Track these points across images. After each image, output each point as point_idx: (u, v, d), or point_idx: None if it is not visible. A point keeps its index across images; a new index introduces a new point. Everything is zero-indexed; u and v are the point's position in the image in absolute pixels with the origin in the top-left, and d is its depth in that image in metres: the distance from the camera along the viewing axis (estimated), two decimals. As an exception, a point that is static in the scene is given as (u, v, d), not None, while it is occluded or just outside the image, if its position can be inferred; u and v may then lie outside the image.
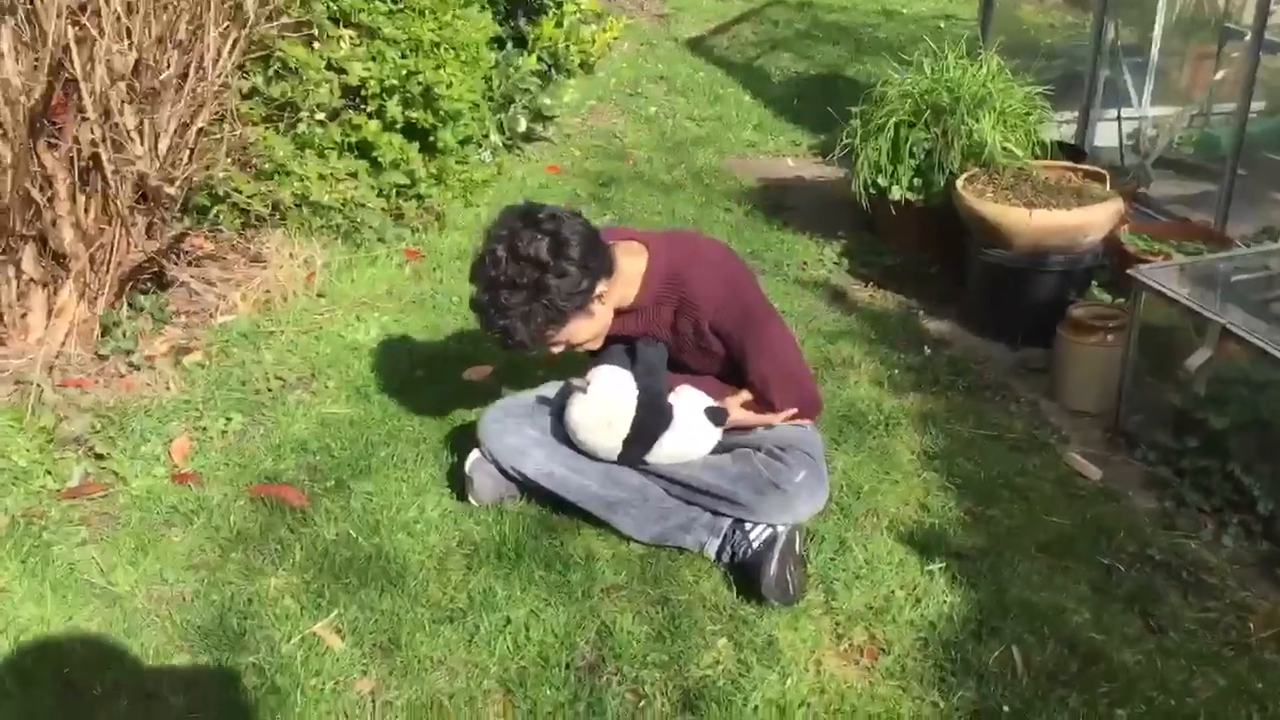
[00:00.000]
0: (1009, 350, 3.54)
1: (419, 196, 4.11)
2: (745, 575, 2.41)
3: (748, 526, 2.46)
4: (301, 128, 3.84)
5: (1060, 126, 4.54)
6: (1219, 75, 4.54)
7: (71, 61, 2.90)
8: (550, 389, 2.74)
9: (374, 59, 3.86)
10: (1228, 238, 3.69)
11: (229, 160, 3.58)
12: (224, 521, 2.61)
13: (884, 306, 3.86)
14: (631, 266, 2.52)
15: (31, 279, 3.12)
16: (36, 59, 2.89)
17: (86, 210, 3.14)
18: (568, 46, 5.84)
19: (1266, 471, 2.67)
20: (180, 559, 2.49)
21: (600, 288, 2.44)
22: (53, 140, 3.04)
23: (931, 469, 2.87)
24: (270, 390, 3.14)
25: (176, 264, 3.55)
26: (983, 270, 3.65)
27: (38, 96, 2.90)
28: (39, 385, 2.94)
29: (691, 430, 2.53)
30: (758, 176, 5.08)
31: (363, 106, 3.94)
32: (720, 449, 2.58)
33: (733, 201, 4.72)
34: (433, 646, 2.25)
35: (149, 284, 3.48)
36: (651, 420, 2.50)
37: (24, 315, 3.15)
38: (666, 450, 2.53)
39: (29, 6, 2.85)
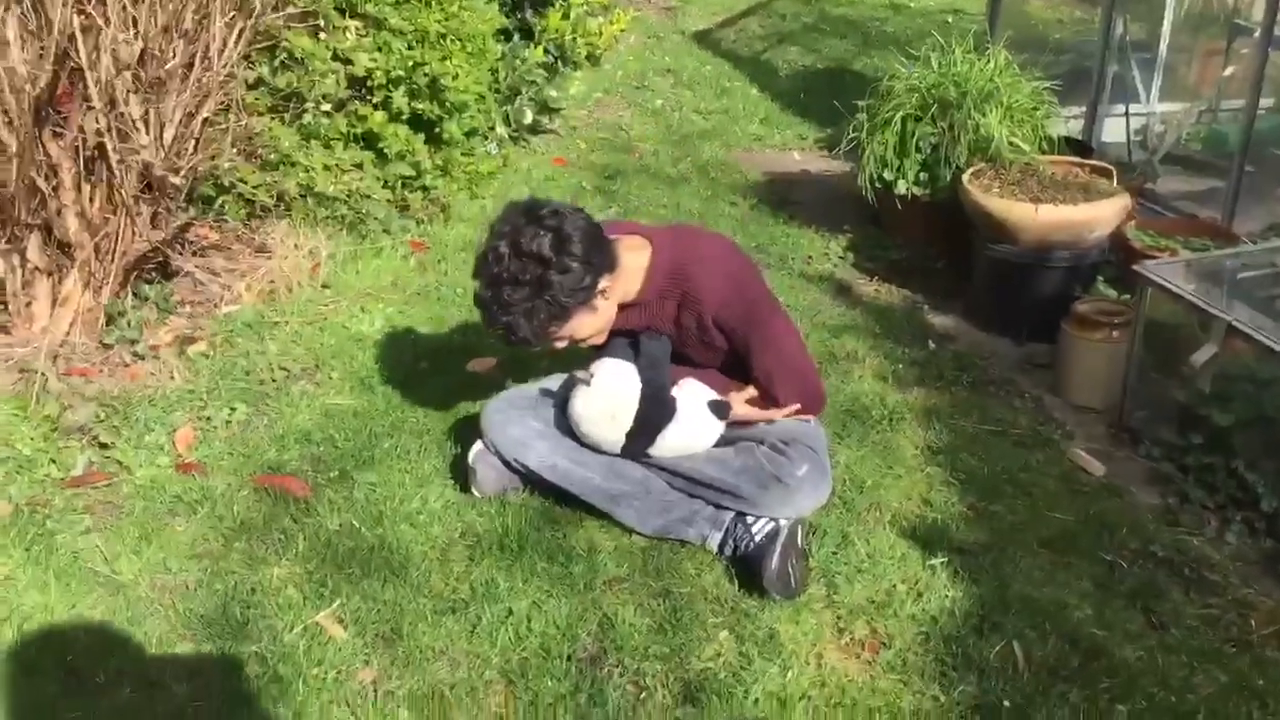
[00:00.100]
0: (1014, 345, 3.54)
1: (424, 188, 4.11)
2: (747, 568, 2.41)
3: (750, 520, 2.46)
4: (307, 118, 3.84)
5: (1068, 122, 4.52)
6: (1228, 71, 4.52)
7: (77, 50, 2.90)
8: (554, 381, 2.74)
9: (380, 50, 3.86)
10: (1234, 234, 3.68)
11: (234, 150, 3.59)
12: (227, 511, 2.61)
13: (889, 301, 3.85)
14: (634, 261, 2.52)
15: (36, 268, 3.12)
16: (42, 47, 2.89)
17: (91, 199, 3.14)
18: (574, 39, 5.82)
19: (1270, 468, 2.67)
20: (184, 548, 2.50)
21: (603, 283, 2.44)
22: (58, 129, 3.04)
23: (935, 464, 2.87)
24: (274, 381, 3.14)
25: (181, 254, 3.55)
26: (988, 265, 3.64)
27: (43, 85, 2.91)
28: (43, 374, 2.94)
29: (694, 424, 2.54)
30: (764, 170, 5.07)
31: (368, 97, 3.94)
32: (723, 442, 2.58)
33: (738, 195, 4.72)
34: (435, 637, 2.25)
35: (154, 274, 3.49)
36: (655, 413, 2.50)
37: (29, 304, 3.15)
38: (669, 443, 2.53)
39: (35, -5, 2.86)
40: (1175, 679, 2.19)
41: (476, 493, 2.65)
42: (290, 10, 3.61)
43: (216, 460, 2.80)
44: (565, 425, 2.60)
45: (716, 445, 2.57)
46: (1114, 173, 3.71)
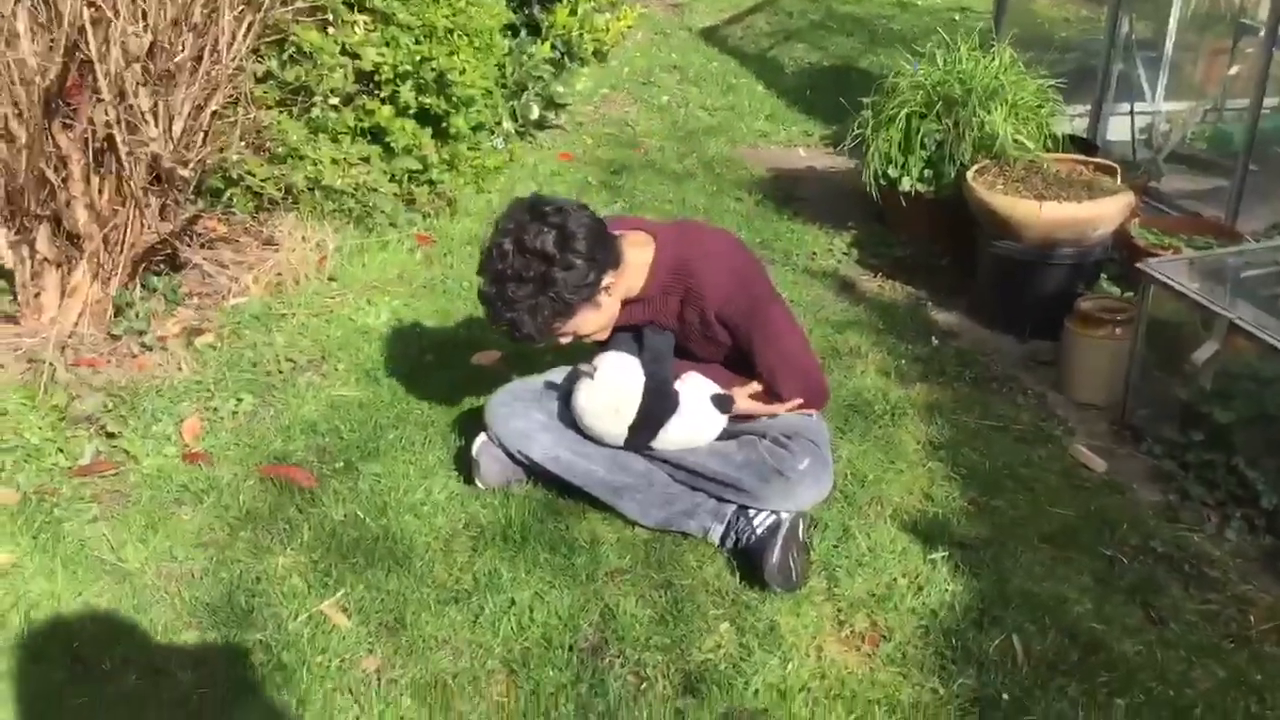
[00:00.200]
0: (1017, 342, 3.55)
1: (431, 182, 4.13)
2: (748, 561, 2.43)
3: (751, 513, 2.48)
4: (315, 112, 3.85)
5: (1073, 120, 4.52)
6: (1233, 70, 4.52)
7: (87, 43, 2.92)
8: (558, 374, 2.76)
9: (388, 44, 3.88)
10: (1238, 233, 3.69)
11: (242, 143, 3.61)
12: (233, 501, 2.63)
13: (893, 297, 3.86)
14: (638, 257, 2.54)
15: (45, 259, 3.14)
16: (52, 40, 2.91)
17: (100, 191, 3.16)
18: (581, 35, 5.84)
19: (1271, 466, 2.68)
20: (190, 537, 2.52)
21: (607, 279, 2.46)
22: (68, 121, 3.06)
23: (936, 459, 2.88)
24: (281, 372, 3.16)
25: (189, 246, 3.57)
26: (992, 262, 3.65)
27: (53, 77, 2.92)
28: (52, 364, 2.97)
29: (697, 417, 2.55)
30: (769, 166, 5.08)
31: (376, 92, 3.95)
32: (726, 436, 2.59)
33: (743, 191, 4.73)
34: (438, 626, 2.27)
35: (162, 265, 3.51)
36: (658, 407, 2.51)
37: (38, 295, 3.17)
38: (672, 437, 2.55)
39: (46, -12, 2.88)
40: (1173, 674, 2.21)
41: (480, 484, 2.67)
42: (299, 4, 3.63)
43: (223, 450, 2.82)
44: (569, 418, 2.61)
45: (719, 439, 2.59)
46: (1118, 171, 3.71)
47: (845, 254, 4.18)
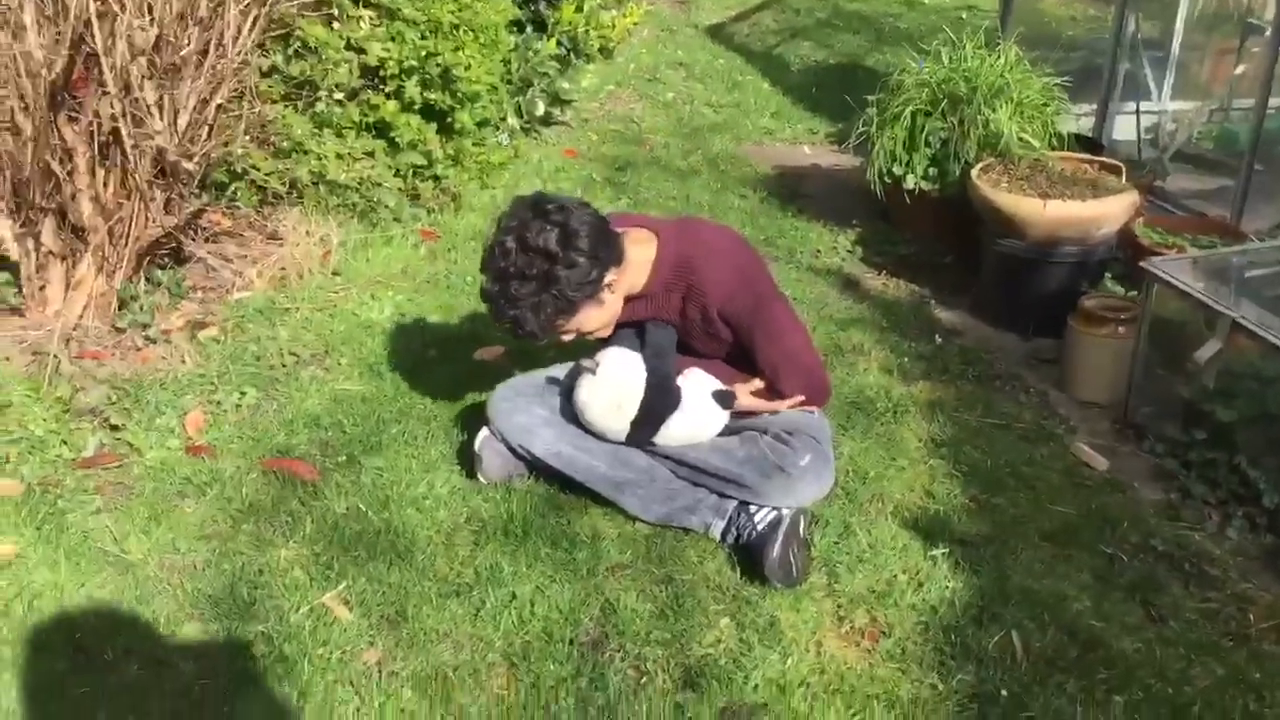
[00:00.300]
0: (1020, 340, 3.55)
1: (435, 177, 4.14)
2: (749, 556, 2.43)
3: (752, 509, 2.48)
4: (320, 106, 3.86)
5: (1079, 119, 4.53)
6: (1239, 70, 4.52)
7: (93, 36, 2.93)
8: (560, 369, 2.76)
9: (393, 39, 3.88)
10: (1242, 232, 3.69)
11: (247, 137, 3.62)
12: (236, 493, 2.64)
13: (896, 295, 3.86)
14: (641, 254, 2.54)
15: (51, 251, 3.15)
16: (58, 33, 2.92)
17: (106, 184, 3.17)
18: (587, 31, 5.84)
19: (1273, 465, 2.68)
20: (192, 529, 2.52)
21: (609, 277, 2.46)
22: (73, 114, 3.07)
23: (938, 456, 2.89)
24: (284, 366, 3.17)
25: (194, 240, 3.58)
26: (996, 260, 3.66)
27: (59, 70, 2.93)
28: (56, 356, 2.98)
29: (699, 413, 2.55)
30: (774, 164, 5.08)
31: (381, 87, 3.96)
32: (728, 432, 2.59)
33: (748, 188, 4.73)
34: (439, 619, 2.28)
35: (166, 259, 3.52)
36: (659, 402, 2.51)
37: (42, 287, 3.18)
38: (674, 432, 2.55)
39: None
40: (1172, 671, 2.21)
41: (482, 479, 2.68)
42: (304, -1, 3.65)
43: (226, 443, 2.83)
44: (571, 413, 2.62)
45: (721, 435, 2.59)
46: (1123, 169, 3.71)
47: (849, 251, 4.18)
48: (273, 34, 3.66)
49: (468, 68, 3.97)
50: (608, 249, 2.44)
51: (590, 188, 4.59)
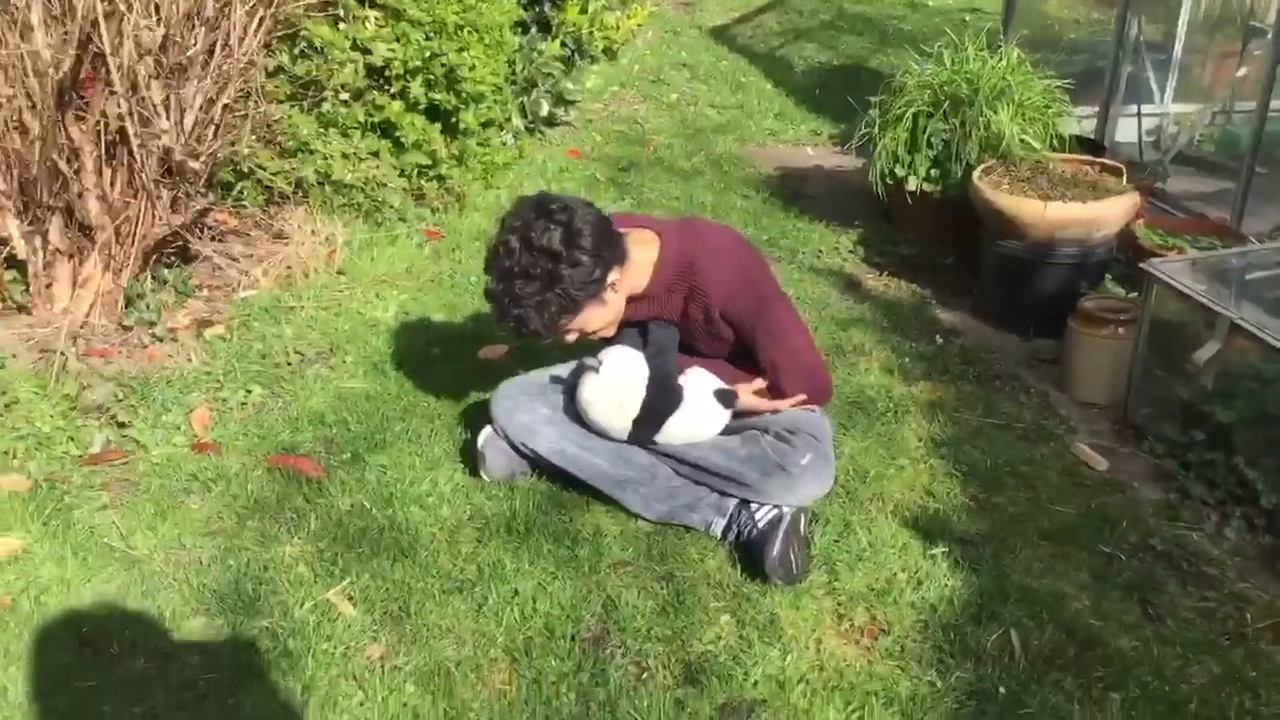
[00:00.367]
0: (1021, 341, 3.56)
1: (440, 177, 4.16)
2: (749, 554, 2.45)
3: (753, 507, 2.50)
4: (325, 106, 3.89)
5: (1080, 121, 4.54)
6: (1241, 73, 4.53)
7: (100, 36, 2.95)
8: (563, 368, 2.78)
9: (398, 40, 3.90)
10: (1242, 235, 3.70)
11: (253, 137, 3.64)
12: (241, 490, 2.66)
13: (897, 296, 3.88)
14: (643, 255, 2.56)
15: (58, 250, 3.18)
16: (66, 32, 2.94)
17: (113, 183, 3.19)
18: (592, 32, 5.86)
19: (1271, 466, 2.69)
20: (198, 525, 2.55)
21: (613, 276, 2.48)
22: (80, 113, 3.09)
23: (938, 456, 2.90)
24: (290, 364, 3.19)
25: (200, 238, 3.61)
26: (996, 261, 3.67)
27: (66, 70, 2.96)
28: (63, 354, 3.00)
29: (701, 412, 2.57)
30: (777, 164, 5.10)
31: (386, 87, 3.98)
32: (729, 431, 2.61)
33: (751, 188, 4.75)
34: (442, 615, 2.29)
35: (173, 257, 3.54)
36: (661, 401, 2.53)
37: (50, 285, 3.21)
38: (675, 431, 2.57)
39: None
40: (1169, 669, 2.22)
41: (485, 476, 2.70)
42: (310, 0, 3.66)
43: (231, 440, 2.85)
44: (574, 412, 2.64)
45: (722, 433, 2.61)
46: (1124, 171, 3.73)
47: (851, 252, 4.19)
48: (279, 34, 3.69)
49: (472, 68, 3.99)
50: (611, 248, 2.46)
51: (594, 188, 4.61)
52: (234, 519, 2.57)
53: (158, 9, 3.05)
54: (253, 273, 3.59)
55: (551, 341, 2.62)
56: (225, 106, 3.34)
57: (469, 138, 4.19)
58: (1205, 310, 2.87)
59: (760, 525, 2.46)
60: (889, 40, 7.06)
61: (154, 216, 3.27)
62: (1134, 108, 4.65)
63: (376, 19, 3.92)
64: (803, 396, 2.64)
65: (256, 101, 3.55)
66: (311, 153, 3.84)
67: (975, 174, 3.75)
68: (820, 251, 4.18)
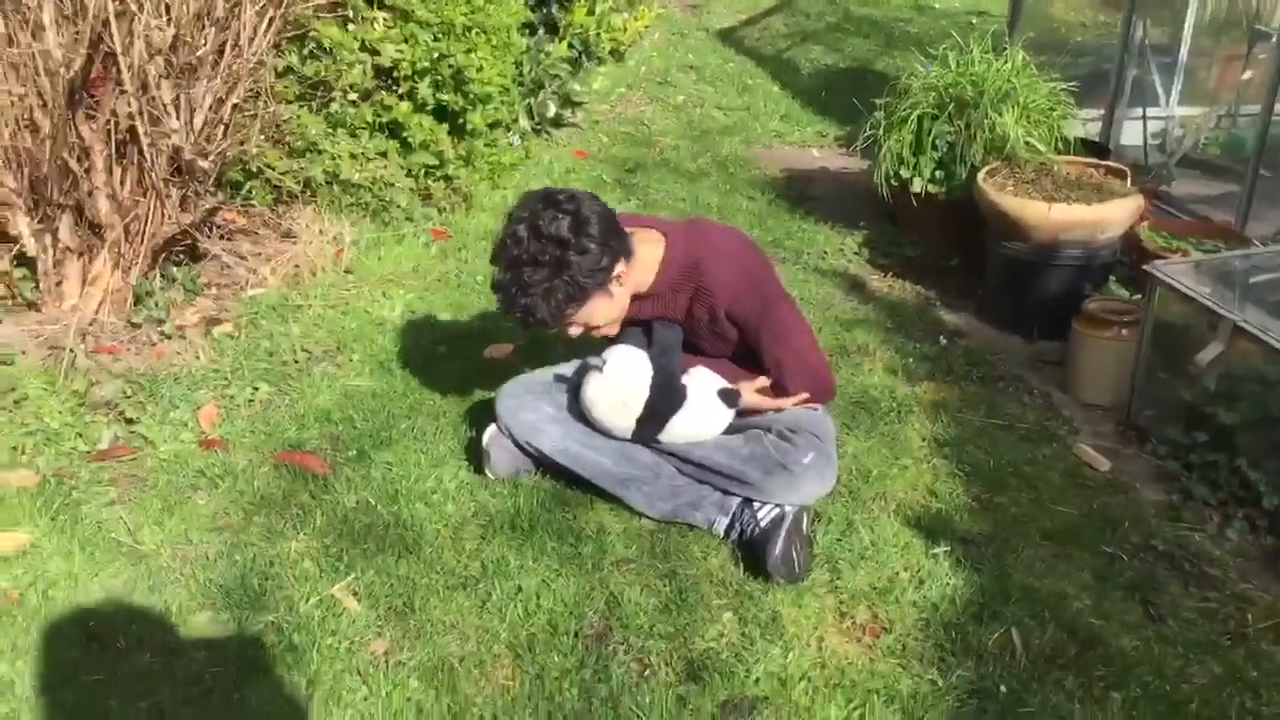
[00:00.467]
0: (1025, 342, 3.57)
1: (447, 177, 4.18)
2: (752, 553, 2.46)
3: (756, 506, 2.51)
4: (334, 107, 3.91)
5: (1086, 124, 4.54)
6: (1246, 76, 4.53)
7: (111, 35, 2.97)
8: (567, 367, 2.80)
9: (406, 41, 3.92)
10: (1246, 238, 3.71)
11: (262, 137, 3.66)
12: (248, 486, 2.68)
13: (902, 297, 3.89)
14: (649, 254, 2.57)
15: (68, 247, 3.20)
16: (77, 32, 2.96)
17: (122, 182, 3.21)
18: (599, 34, 5.88)
19: (1273, 467, 2.70)
20: (205, 521, 2.56)
21: (619, 268, 2.49)
22: (91, 112, 3.11)
23: (941, 456, 2.91)
24: (297, 362, 3.21)
25: (209, 237, 3.63)
26: (1001, 263, 3.68)
27: (77, 69, 2.98)
28: (72, 351, 3.02)
29: (704, 411, 2.58)
30: (782, 166, 5.12)
31: (394, 88, 4.00)
32: (732, 430, 2.62)
33: (756, 190, 4.76)
34: (446, 611, 2.31)
35: (182, 256, 3.56)
36: (665, 400, 2.54)
37: (59, 283, 3.23)
38: (679, 430, 2.58)
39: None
40: (1170, 669, 2.23)
41: (490, 474, 2.71)
42: (320, 1, 3.68)
43: (239, 437, 2.87)
44: (578, 410, 2.65)
45: (725, 432, 2.62)
46: (1129, 174, 3.73)
47: (856, 253, 4.21)
48: (288, 35, 3.71)
49: (480, 69, 4.01)
50: (618, 239, 2.48)
51: (600, 189, 4.62)
52: (240, 515, 2.59)
53: (168, 9, 3.07)
54: (261, 271, 3.61)
55: (557, 334, 2.62)
56: (235, 106, 3.36)
57: (476, 138, 4.21)
58: (1208, 312, 2.87)
59: (763, 524, 2.47)
60: (895, 43, 7.08)
61: (163, 215, 3.29)
62: (1139, 110, 4.66)
63: (385, 20, 3.95)
64: (805, 395, 2.65)
65: (266, 101, 3.57)
66: (320, 153, 3.86)
67: (980, 176, 3.76)
68: (825, 253, 4.19)
